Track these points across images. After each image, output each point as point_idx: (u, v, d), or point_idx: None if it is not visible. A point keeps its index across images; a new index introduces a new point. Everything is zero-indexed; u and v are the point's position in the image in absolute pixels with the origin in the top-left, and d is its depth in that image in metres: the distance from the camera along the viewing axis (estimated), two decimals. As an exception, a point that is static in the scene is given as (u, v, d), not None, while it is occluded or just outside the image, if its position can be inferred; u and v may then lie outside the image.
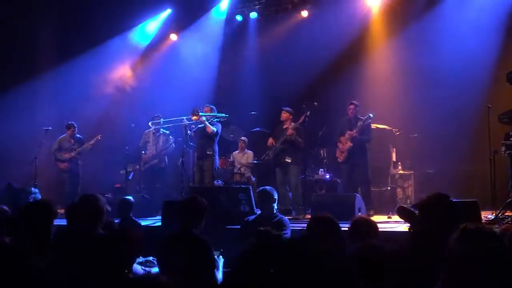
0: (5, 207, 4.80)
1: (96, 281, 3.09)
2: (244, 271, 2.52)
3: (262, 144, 9.70)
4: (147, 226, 7.43)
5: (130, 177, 10.43)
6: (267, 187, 5.92)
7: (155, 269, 4.24)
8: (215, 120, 9.16)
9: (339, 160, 8.82)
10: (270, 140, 8.95)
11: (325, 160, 9.88)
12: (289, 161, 8.68)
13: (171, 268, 3.95)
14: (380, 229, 3.88)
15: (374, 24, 10.83)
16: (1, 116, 10.94)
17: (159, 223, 7.50)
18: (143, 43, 12.64)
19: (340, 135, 8.79)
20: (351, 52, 10.61)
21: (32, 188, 8.49)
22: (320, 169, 9.86)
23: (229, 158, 10.35)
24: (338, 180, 9.48)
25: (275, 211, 5.75)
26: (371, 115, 8.58)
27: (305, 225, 3.87)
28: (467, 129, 9.15)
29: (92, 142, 10.26)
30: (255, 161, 10.19)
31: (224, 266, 4.38)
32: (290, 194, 8.79)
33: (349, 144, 8.57)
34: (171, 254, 4.07)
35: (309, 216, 7.89)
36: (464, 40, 9.42)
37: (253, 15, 11.78)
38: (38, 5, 11.60)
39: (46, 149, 10.34)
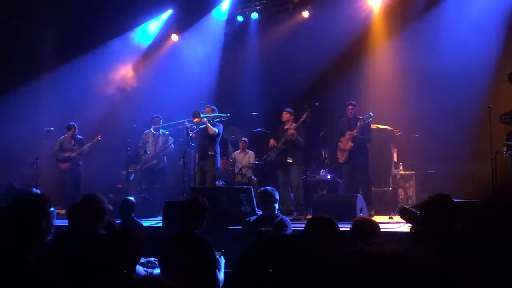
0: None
1: (97, 282, 3.09)
2: (245, 271, 2.52)
3: (263, 144, 9.71)
4: (148, 227, 7.43)
5: (131, 178, 10.44)
6: (268, 187, 5.92)
7: (156, 270, 4.24)
8: (216, 120, 9.16)
9: (340, 160, 8.82)
10: (272, 141, 8.96)
11: (326, 161, 9.89)
12: (291, 161, 8.69)
13: (172, 269, 3.95)
14: (381, 230, 3.88)
15: (375, 25, 10.83)
16: (3, 117, 10.95)
17: (160, 224, 7.50)
18: (144, 43, 12.65)
19: (340, 135, 8.79)
20: (352, 52, 10.61)
21: (34, 189, 8.49)
22: (322, 170, 9.86)
23: (231, 158, 10.35)
24: (339, 180, 9.49)
25: (276, 212, 5.75)
26: (371, 114, 8.58)
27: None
28: (469, 130, 9.14)
29: (92, 142, 10.28)
30: (256, 162, 10.19)
31: (225, 267, 4.38)
32: (291, 194, 8.80)
33: (350, 144, 8.57)
34: (173, 254, 4.07)
35: (310, 217, 7.90)
36: (465, 40, 9.41)
37: (254, 15, 11.78)
38: (39, 5, 11.60)
39: (47, 150, 10.36)
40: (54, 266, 3.37)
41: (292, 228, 5.64)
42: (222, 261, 4.41)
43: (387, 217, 8.04)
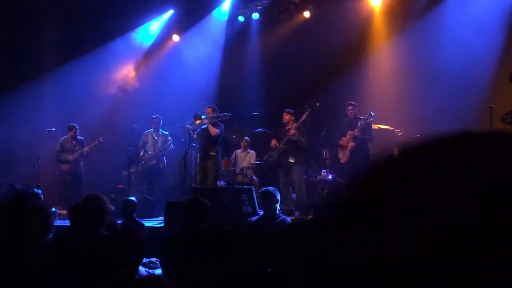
0: None
1: (99, 283, 3.09)
2: None
3: (265, 144, 9.71)
4: (150, 227, 7.44)
5: (133, 178, 10.46)
6: (270, 187, 5.92)
7: (158, 271, 4.24)
8: (218, 120, 9.17)
9: (342, 161, 8.82)
10: (273, 142, 8.97)
11: (327, 161, 9.88)
12: (292, 161, 8.69)
13: (174, 269, 3.95)
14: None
15: (376, 25, 10.83)
16: (4, 117, 10.97)
17: (162, 224, 7.50)
18: (146, 44, 12.66)
19: (341, 135, 8.79)
20: (353, 52, 10.60)
21: (35, 189, 8.50)
22: (323, 170, 9.86)
23: (232, 157, 10.36)
24: (340, 180, 9.48)
25: (277, 212, 5.75)
26: (372, 114, 8.58)
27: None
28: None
29: (93, 144, 10.28)
30: (258, 162, 10.20)
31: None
32: (293, 195, 8.80)
33: (352, 144, 8.56)
34: (174, 255, 4.07)
35: (311, 217, 7.90)
36: (466, 40, 9.41)
37: (255, 15, 11.78)
38: (41, 5, 11.61)
39: (49, 150, 10.36)
40: (55, 266, 3.37)
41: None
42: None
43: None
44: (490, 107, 7.61)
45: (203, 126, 9.09)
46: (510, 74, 7.74)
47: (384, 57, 10.57)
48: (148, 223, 7.67)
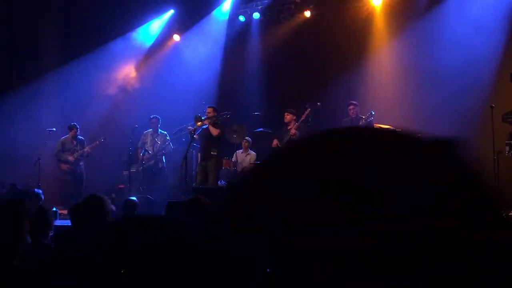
0: None
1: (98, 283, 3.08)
2: None
3: (266, 144, 9.70)
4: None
5: (133, 178, 10.45)
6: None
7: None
8: (219, 119, 9.18)
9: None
10: (275, 142, 8.97)
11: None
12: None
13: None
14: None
15: (377, 24, 10.82)
16: (5, 117, 10.97)
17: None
18: (146, 43, 12.66)
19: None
20: (354, 52, 10.60)
21: (35, 189, 8.51)
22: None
23: (233, 157, 10.35)
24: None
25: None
26: (373, 113, 8.58)
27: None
28: (471, 129, 9.11)
29: (94, 144, 10.28)
30: (258, 162, 10.18)
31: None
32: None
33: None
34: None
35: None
36: (467, 39, 9.40)
37: (256, 15, 11.78)
38: (41, 5, 11.61)
39: (49, 151, 10.37)
40: (55, 266, 3.37)
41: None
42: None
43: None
44: (491, 106, 7.60)
45: (204, 127, 9.11)
46: (511, 74, 7.72)
47: (384, 56, 10.56)
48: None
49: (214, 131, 8.96)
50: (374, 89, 10.22)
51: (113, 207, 4.63)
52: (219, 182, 9.24)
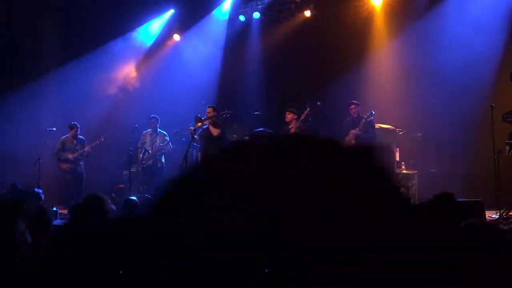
0: None
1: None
2: None
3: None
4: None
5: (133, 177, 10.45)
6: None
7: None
8: (219, 118, 9.19)
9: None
10: None
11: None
12: (293, 160, 8.68)
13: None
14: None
15: (377, 24, 10.81)
16: (5, 117, 10.97)
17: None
18: (146, 43, 12.65)
19: (344, 135, 8.78)
20: (354, 51, 10.60)
21: (36, 189, 8.50)
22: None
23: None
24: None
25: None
26: (373, 112, 8.59)
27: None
28: (471, 129, 9.12)
29: (94, 144, 10.28)
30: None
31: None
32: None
33: (353, 142, 8.56)
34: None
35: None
36: (467, 39, 9.40)
37: (256, 15, 11.78)
38: (41, 5, 11.61)
39: (49, 150, 10.37)
40: (54, 266, 3.36)
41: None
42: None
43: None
44: (491, 106, 7.60)
45: (204, 127, 9.12)
46: (511, 73, 7.72)
47: (384, 56, 10.56)
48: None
49: (215, 131, 8.96)
50: (374, 89, 10.22)
51: (113, 207, 4.63)
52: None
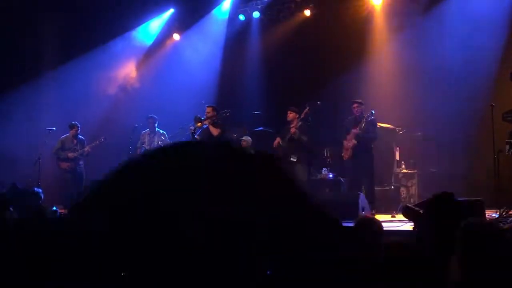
0: None
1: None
2: None
3: (266, 143, 9.70)
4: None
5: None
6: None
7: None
8: (219, 118, 9.18)
9: (344, 158, 8.82)
10: (277, 140, 8.99)
11: (328, 160, 9.87)
12: (294, 160, 8.70)
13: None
14: (384, 228, 3.86)
15: (377, 23, 10.81)
16: (5, 116, 10.96)
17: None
18: (146, 43, 12.64)
19: (345, 133, 8.77)
20: (354, 51, 10.59)
21: (35, 188, 8.50)
22: (324, 169, 9.84)
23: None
24: (341, 179, 9.47)
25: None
26: (373, 112, 8.58)
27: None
28: (471, 128, 9.12)
29: (94, 144, 10.28)
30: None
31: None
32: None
33: (354, 142, 8.55)
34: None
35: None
36: (467, 38, 9.40)
37: (256, 14, 11.77)
38: (41, 4, 11.60)
39: (49, 150, 10.37)
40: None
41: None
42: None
43: (390, 215, 8.03)
44: (491, 105, 7.59)
45: (204, 126, 9.12)
46: (511, 73, 7.70)
47: (385, 55, 10.55)
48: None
49: (215, 131, 8.96)
50: (374, 88, 10.20)
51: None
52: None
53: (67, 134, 10.38)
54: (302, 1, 11.28)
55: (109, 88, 12.12)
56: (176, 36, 12.50)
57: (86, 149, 10.28)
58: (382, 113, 9.17)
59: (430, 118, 9.69)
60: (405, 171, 9.61)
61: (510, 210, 6.74)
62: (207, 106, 9.33)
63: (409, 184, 9.48)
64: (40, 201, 7.09)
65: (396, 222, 7.03)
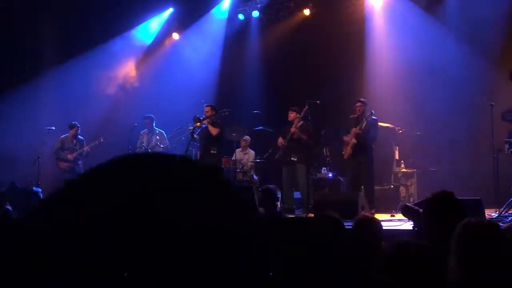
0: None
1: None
2: None
3: (265, 143, 9.70)
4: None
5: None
6: (270, 185, 5.92)
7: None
8: (218, 117, 9.19)
9: (344, 157, 8.82)
10: (280, 140, 9.00)
11: (328, 159, 9.86)
12: (295, 159, 8.70)
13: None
14: (383, 228, 3.87)
15: (377, 22, 10.81)
16: (4, 116, 10.95)
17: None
18: (145, 42, 12.64)
19: (346, 132, 8.76)
20: (354, 50, 10.59)
21: (34, 188, 8.49)
22: (323, 168, 9.84)
23: (233, 156, 10.35)
24: (341, 178, 9.48)
25: (277, 210, 5.74)
26: (373, 112, 8.58)
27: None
28: (470, 127, 9.13)
29: (93, 144, 10.27)
30: (258, 160, 10.19)
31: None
32: (295, 193, 8.83)
33: (354, 141, 8.55)
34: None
35: (311, 215, 7.91)
36: (466, 37, 9.40)
37: (255, 14, 11.77)
38: (40, 4, 11.59)
39: (49, 149, 10.36)
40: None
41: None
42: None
43: (389, 215, 8.04)
44: (491, 104, 7.59)
45: (203, 126, 9.12)
46: (510, 72, 7.72)
47: (384, 54, 10.55)
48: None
49: (214, 131, 8.96)
50: (374, 88, 10.21)
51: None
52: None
53: (67, 134, 10.37)
54: (302, 1, 11.29)
55: (109, 87, 12.11)
56: (175, 36, 12.49)
57: (85, 149, 10.28)
58: (381, 113, 9.17)
59: (429, 117, 9.69)
60: (404, 170, 9.61)
61: (509, 210, 6.75)
62: (206, 106, 9.32)
63: (409, 183, 9.48)
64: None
65: (395, 221, 7.03)
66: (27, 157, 10.26)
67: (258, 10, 11.73)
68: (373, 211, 8.11)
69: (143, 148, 10.20)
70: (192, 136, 8.92)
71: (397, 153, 9.86)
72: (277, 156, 9.09)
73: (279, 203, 5.76)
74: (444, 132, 9.42)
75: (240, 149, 10.62)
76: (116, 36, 11.99)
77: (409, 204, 5.17)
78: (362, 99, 8.77)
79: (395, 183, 9.52)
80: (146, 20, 12.48)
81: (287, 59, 11.34)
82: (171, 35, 12.52)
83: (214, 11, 12.20)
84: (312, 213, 8.02)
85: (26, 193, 8.16)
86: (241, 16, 11.99)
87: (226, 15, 12.15)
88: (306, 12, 11.23)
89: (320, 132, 9.57)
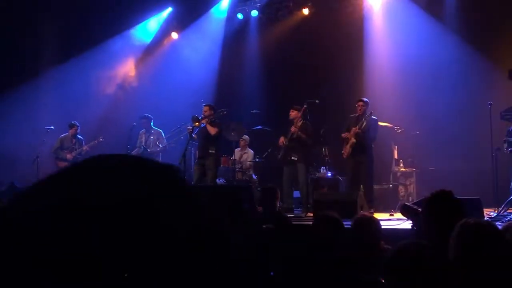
0: None
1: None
2: None
3: (264, 142, 9.70)
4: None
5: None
6: (270, 185, 5.93)
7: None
8: (217, 117, 9.19)
9: (343, 156, 8.83)
10: (281, 139, 9.01)
11: (327, 158, 9.87)
12: (295, 159, 8.71)
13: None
14: (382, 227, 3.88)
15: (375, 21, 10.82)
16: (4, 115, 10.95)
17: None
18: (144, 41, 12.64)
19: (346, 131, 8.76)
20: (352, 49, 10.60)
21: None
22: (322, 167, 9.85)
23: (232, 156, 10.36)
24: (340, 178, 9.49)
25: (277, 209, 5.75)
26: (372, 112, 8.59)
27: (308, 223, 3.87)
28: (469, 126, 9.14)
29: (92, 143, 10.28)
30: (257, 159, 10.20)
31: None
32: (295, 192, 8.84)
33: (353, 140, 8.55)
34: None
35: (311, 214, 7.91)
36: (466, 37, 9.41)
37: (254, 13, 11.77)
38: (40, 3, 11.58)
39: (48, 149, 10.37)
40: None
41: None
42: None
43: (388, 214, 8.05)
44: (490, 104, 7.61)
45: (202, 125, 9.12)
46: (509, 71, 7.73)
47: (383, 54, 10.56)
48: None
49: (212, 130, 8.96)
50: (373, 87, 10.22)
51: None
52: (217, 180, 9.24)
53: (66, 134, 10.38)
54: (301, 0, 11.29)
55: (108, 87, 12.11)
56: (174, 35, 12.49)
57: (84, 148, 10.29)
58: (380, 112, 9.18)
59: (428, 116, 9.71)
60: (403, 169, 9.63)
61: (508, 209, 6.77)
62: (204, 105, 9.33)
63: (408, 183, 9.50)
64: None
65: (394, 221, 7.04)
66: (26, 157, 10.27)
67: (257, 10, 11.73)
68: (372, 211, 8.12)
69: (142, 147, 10.21)
70: (191, 135, 8.93)
71: (396, 152, 9.87)
72: (279, 156, 9.10)
73: (277, 202, 5.77)
74: (443, 132, 9.43)
75: (239, 148, 10.62)
76: (116, 35, 11.99)
77: (408, 204, 5.17)
78: (364, 99, 8.76)
79: (394, 183, 9.54)
80: (145, 20, 12.47)
81: (286, 58, 11.34)
82: (170, 34, 12.52)
83: (213, 10, 12.20)
84: (311, 212, 8.04)
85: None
86: (240, 16, 11.99)
87: (225, 15, 12.15)
88: (305, 11, 11.24)
89: (319, 132, 9.58)
